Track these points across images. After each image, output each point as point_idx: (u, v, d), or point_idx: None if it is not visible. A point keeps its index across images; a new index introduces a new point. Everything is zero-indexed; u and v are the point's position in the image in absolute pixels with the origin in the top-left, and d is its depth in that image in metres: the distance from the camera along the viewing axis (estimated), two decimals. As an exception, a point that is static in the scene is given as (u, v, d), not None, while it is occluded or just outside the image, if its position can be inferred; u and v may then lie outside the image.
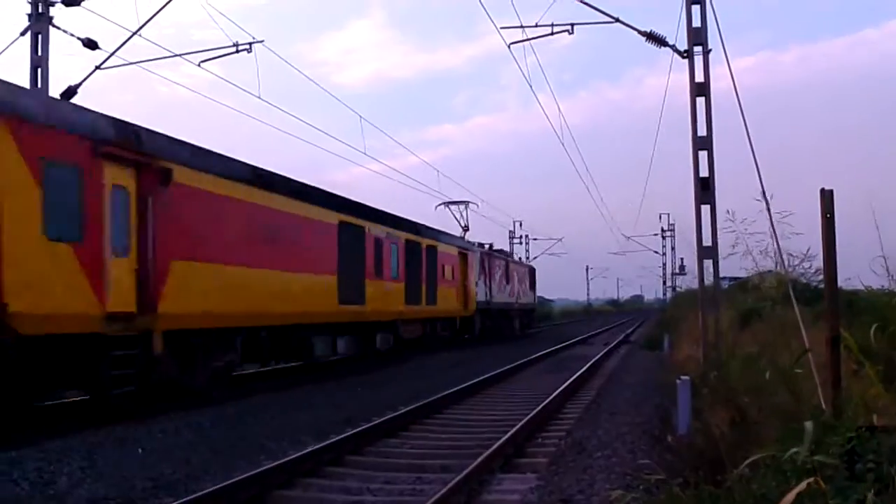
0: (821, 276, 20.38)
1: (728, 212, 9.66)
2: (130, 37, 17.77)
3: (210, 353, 14.74)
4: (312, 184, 19.79)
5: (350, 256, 21.18)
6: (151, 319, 12.66)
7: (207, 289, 14.25)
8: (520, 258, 53.07)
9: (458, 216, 40.64)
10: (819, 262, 19.10)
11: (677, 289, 60.50)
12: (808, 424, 4.03)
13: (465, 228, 39.97)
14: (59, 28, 17.70)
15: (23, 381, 10.78)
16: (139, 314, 12.39)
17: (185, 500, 7.13)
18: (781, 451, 4.45)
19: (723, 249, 12.85)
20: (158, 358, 12.92)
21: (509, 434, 10.23)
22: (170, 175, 13.14)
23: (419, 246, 28.05)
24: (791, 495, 3.55)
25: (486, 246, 41.42)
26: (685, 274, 56.22)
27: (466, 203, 41.01)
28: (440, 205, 40.57)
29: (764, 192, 11.15)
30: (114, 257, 11.95)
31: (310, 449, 9.57)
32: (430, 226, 31.12)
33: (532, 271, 53.93)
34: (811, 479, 3.68)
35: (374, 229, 23.42)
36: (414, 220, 28.72)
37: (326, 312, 19.65)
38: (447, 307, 31.24)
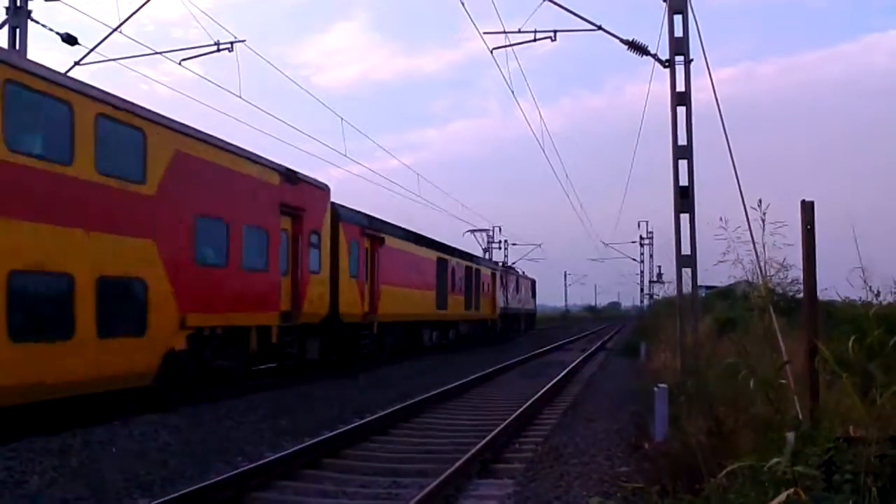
0: (797, 287, 20.60)
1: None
2: (110, 33, 17.65)
3: (393, 333, 27.14)
4: (424, 234, 31.90)
5: (441, 279, 33.17)
6: (375, 316, 24.57)
7: (394, 300, 26.38)
8: (501, 262, 59.02)
9: (479, 240, 57.00)
10: (794, 273, 19.30)
11: (655, 297, 60.82)
12: (790, 435, 4.06)
13: (486, 251, 54.68)
14: (37, 22, 17.50)
15: (342, 343, 22.44)
16: (370, 313, 24.25)
17: (159, 501, 7.08)
18: (760, 461, 4.47)
19: (713, 257, 12.92)
20: (377, 335, 24.90)
21: (487, 439, 10.26)
22: (383, 241, 25.66)
23: (471, 269, 39.61)
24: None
25: (501, 264, 54.05)
26: (663, 282, 56.49)
27: (486, 231, 58.90)
28: (468, 231, 56.12)
29: (744, 201, 11.22)
30: (354, 282, 23.03)
31: (288, 451, 9.53)
32: (475, 255, 44.60)
33: (533, 283, 65.35)
34: (791, 490, 3.70)
35: (452, 261, 35.42)
36: (469, 252, 42.82)
37: (431, 314, 31.80)
38: (484, 312, 43.01)
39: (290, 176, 18.45)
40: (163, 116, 13.98)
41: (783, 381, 6.17)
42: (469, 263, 39.35)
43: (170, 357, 13.69)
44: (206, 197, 15.15)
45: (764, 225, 9.25)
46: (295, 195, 18.71)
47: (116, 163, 12.74)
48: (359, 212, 23.95)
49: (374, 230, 24.70)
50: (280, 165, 18.13)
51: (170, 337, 13.76)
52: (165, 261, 13.58)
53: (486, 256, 53.86)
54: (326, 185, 20.74)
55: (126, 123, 12.99)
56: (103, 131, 12.32)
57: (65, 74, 13.21)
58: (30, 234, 10.88)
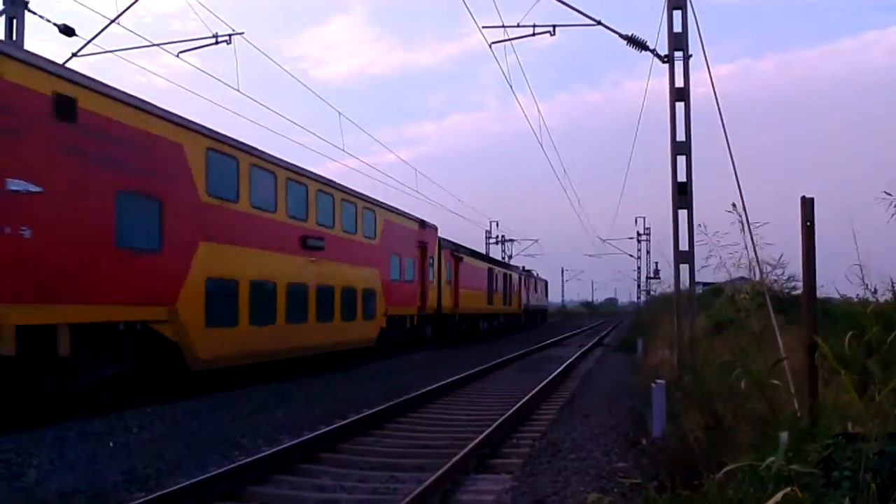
0: (793, 284, 20.62)
1: (700, 225, 9.71)
2: (108, 25, 17.61)
3: (465, 321, 38.73)
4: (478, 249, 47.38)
5: (490, 283, 45.21)
6: (458, 309, 36.09)
7: (467, 299, 37.84)
8: (522, 266, 67.83)
9: (503, 249, 70.36)
10: (791, 269, 19.33)
11: (652, 293, 60.87)
12: (784, 435, 4.05)
13: (510, 257, 66.23)
14: (34, 13, 17.44)
15: (438, 328, 33.52)
16: (455, 307, 35.57)
17: (155, 494, 7.06)
18: (758, 458, 4.47)
19: (697, 261, 12.97)
20: (457, 324, 36.40)
21: (485, 433, 10.26)
22: (462, 259, 37.40)
23: (507, 275, 52.64)
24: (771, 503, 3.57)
25: (522, 267, 64.50)
26: (659, 278, 56.51)
27: (511, 240, 72.00)
28: (492, 242, 68.70)
29: (742, 199, 11.21)
30: (448, 287, 34.64)
31: (285, 445, 9.52)
32: (509, 263, 61.16)
33: (546, 284, 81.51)
34: (788, 489, 3.69)
35: (496, 269, 48.02)
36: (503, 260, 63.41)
37: (484, 308, 43.93)
38: (514, 308, 55.78)
39: (422, 223, 30.80)
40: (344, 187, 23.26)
41: (776, 382, 6.16)
42: (505, 271, 52.89)
43: (381, 332, 25.44)
44: (396, 243, 27.48)
45: (749, 224, 9.30)
46: (423, 235, 30.80)
47: (296, 207, 19.54)
48: (450, 241, 36.57)
49: (458, 252, 37.39)
50: (417, 217, 30.19)
51: (380, 320, 25.44)
52: (382, 279, 25.70)
53: (485, 252, 58.19)
54: (436, 226, 32.95)
55: (297, 182, 19.52)
56: (254, 175, 17.31)
57: (233, 139, 16.77)
58: (258, 258, 17.26)
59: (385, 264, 25.72)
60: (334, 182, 21.63)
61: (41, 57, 11.65)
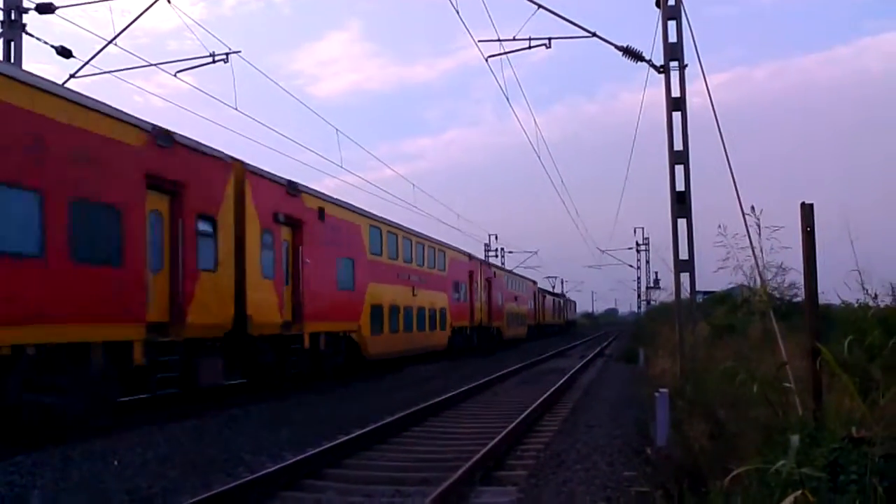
0: (794, 290, 20.61)
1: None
2: (105, 46, 17.70)
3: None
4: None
5: (536, 303, 65.43)
6: (494, 322, 44.98)
7: (510, 315, 51.17)
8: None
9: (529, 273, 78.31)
10: (791, 276, 19.37)
11: (652, 302, 60.87)
12: (795, 438, 4.06)
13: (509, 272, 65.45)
14: (32, 35, 17.56)
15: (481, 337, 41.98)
16: (491, 322, 44.10)
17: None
18: (765, 464, 4.48)
19: (713, 264, 12.98)
20: (495, 335, 45.33)
21: (494, 442, 10.26)
22: (499, 281, 49.02)
23: (546, 296, 73.17)
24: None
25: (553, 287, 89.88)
26: (660, 287, 56.55)
27: (510, 252, 77.22)
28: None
29: (741, 206, 11.26)
30: (485, 305, 43.83)
31: (289, 462, 9.50)
32: (551, 290, 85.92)
33: (574, 303, 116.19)
34: (798, 493, 3.70)
35: (544, 294, 73.64)
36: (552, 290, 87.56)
37: (533, 322, 64.09)
38: (550, 321, 76.87)
39: (469, 256, 39.19)
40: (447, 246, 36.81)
41: (787, 385, 6.17)
42: (547, 294, 77.02)
43: (449, 339, 34.28)
44: (455, 273, 36.00)
45: (747, 227, 9.32)
46: (471, 265, 39.73)
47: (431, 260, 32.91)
48: (498, 266, 55.04)
49: (494, 277, 45.87)
50: (466, 252, 39.63)
51: (448, 330, 34.27)
52: (449, 300, 34.32)
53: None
54: (480, 258, 44.73)
55: (404, 237, 29.10)
56: (388, 237, 26.99)
57: (378, 216, 26.44)
58: (391, 290, 26.60)
59: (450, 290, 35.13)
60: (423, 233, 31.90)
61: (316, 190, 20.87)
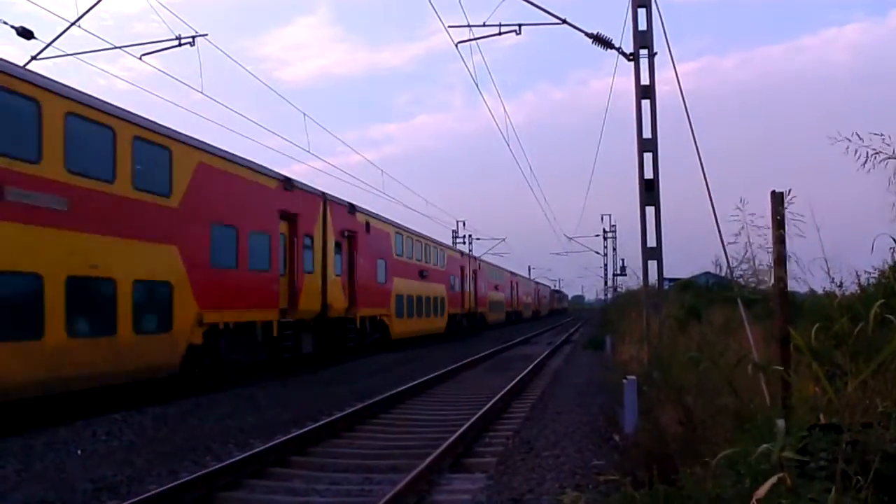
0: (760, 279, 20.85)
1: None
2: (68, 27, 17.32)
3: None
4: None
5: (535, 295, 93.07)
6: (480, 309, 52.06)
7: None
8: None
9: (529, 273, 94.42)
10: (755, 265, 19.48)
11: (619, 290, 61.29)
12: (781, 422, 4.10)
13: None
14: (-7, 16, 17.11)
15: (470, 322, 48.55)
16: (477, 308, 50.28)
17: (128, 502, 6.95)
18: (738, 451, 4.50)
19: (675, 249, 13.07)
20: (481, 320, 52.43)
21: (459, 432, 10.27)
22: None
23: (543, 288, 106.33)
24: (765, 488, 3.60)
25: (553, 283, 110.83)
26: (626, 275, 56.90)
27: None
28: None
29: (710, 193, 11.34)
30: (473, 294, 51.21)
31: (256, 449, 9.42)
32: (543, 283, 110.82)
33: (563, 295, 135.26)
34: (781, 475, 3.73)
35: (538, 286, 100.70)
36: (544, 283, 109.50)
37: (533, 308, 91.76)
38: (541, 307, 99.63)
39: (462, 253, 43.22)
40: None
41: (764, 369, 6.19)
42: (539, 286, 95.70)
43: (447, 323, 40.39)
44: (451, 268, 42.37)
45: (716, 215, 9.32)
46: (463, 261, 45.42)
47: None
48: (486, 261, 57.37)
49: (481, 269, 52.03)
50: (460, 250, 48.98)
51: (446, 316, 40.20)
52: (447, 291, 41.24)
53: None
54: (471, 254, 50.96)
55: (416, 240, 35.39)
56: (406, 240, 33.26)
57: (400, 225, 32.82)
58: (407, 282, 32.77)
59: (448, 282, 41.04)
60: (430, 236, 38.14)
61: (365, 209, 26.69)
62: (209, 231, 16.45)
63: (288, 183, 20.22)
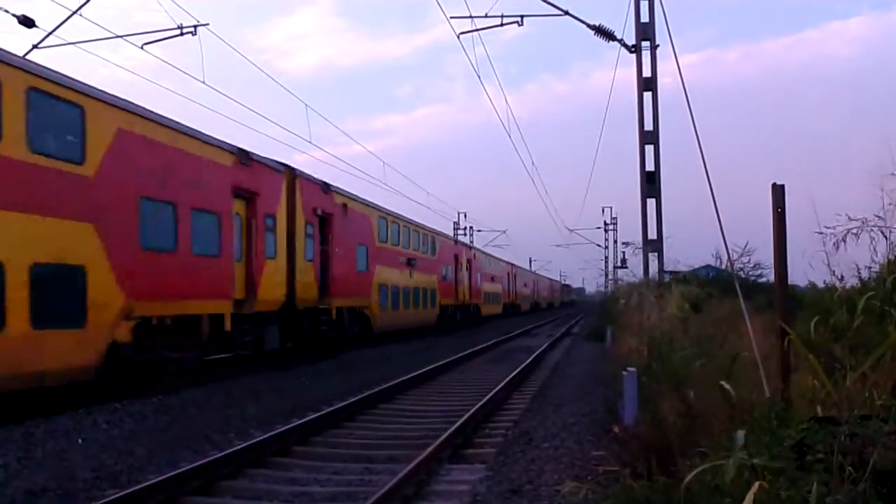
0: (760, 271, 20.86)
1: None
2: (70, 16, 17.29)
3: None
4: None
5: (550, 287, 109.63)
6: (473, 300, 48.91)
7: (487, 294, 54.59)
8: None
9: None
10: (756, 257, 19.53)
11: (619, 282, 61.26)
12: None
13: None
14: (-7, 4, 17.04)
15: (464, 314, 46.13)
16: (471, 300, 47.62)
17: (127, 491, 6.98)
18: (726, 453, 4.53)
19: (677, 241, 13.03)
20: (474, 312, 49.51)
21: (458, 423, 10.28)
22: (475, 258, 53.78)
23: (553, 282, 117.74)
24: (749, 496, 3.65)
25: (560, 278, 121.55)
26: (627, 267, 56.89)
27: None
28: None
29: (711, 187, 11.30)
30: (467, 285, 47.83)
31: (257, 439, 9.45)
32: (554, 278, 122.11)
33: (569, 287, 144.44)
34: (757, 485, 3.77)
35: (553, 281, 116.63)
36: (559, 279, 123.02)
37: (549, 299, 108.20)
38: (553, 298, 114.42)
39: (456, 241, 41.34)
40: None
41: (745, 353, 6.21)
42: (553, 280, 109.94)
43: (438, 315, 38.21)
44: (443, 256, 40.25)
45: (717, 208, 9.30)
46: (457, 249, 43.83)
47: None
48: (481, 249, 56.20)
49: (476, 259, 49.99)
50: (454, 238, 46.81)
51: (437, 308, 38.06)
52: (438, 281, 38.52)
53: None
54: (466, 243, 51.83)
55: (402, 225, 32.88)
56: (391, 227, 31.18)
57: (383, 208, 30.55)
58: (392, 272, 30.78)
59: (439, 272, 38.63)
60: (418, 222, 35.86)
61: (341, 188, 24.59)
62: (136, 207, 13.62)
63: (244, 156, 17.60)
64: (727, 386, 6.76)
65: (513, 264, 71.20)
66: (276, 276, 19.07)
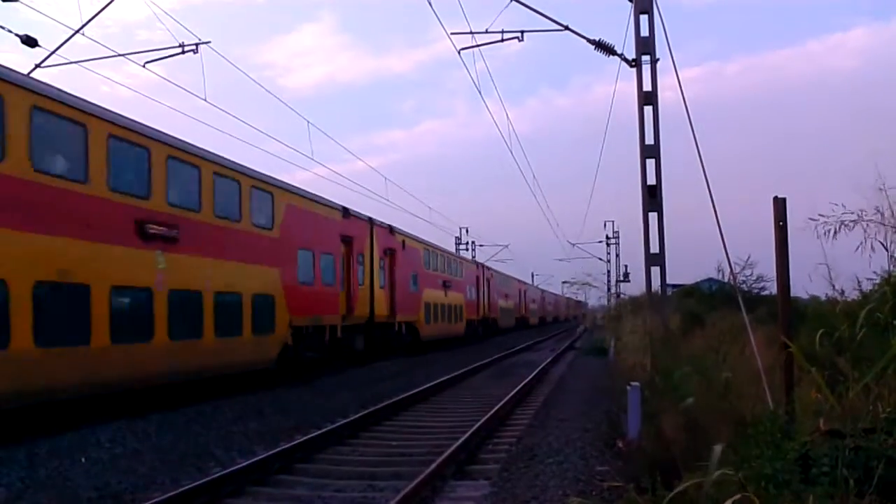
0: (762, 284, 20.81)
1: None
2: (72, 35, 17.35)
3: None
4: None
5: (567, 305, 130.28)
6: (492, 315, 56.32)
7: (503, 309, 60.66)
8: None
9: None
10: (759, 269, 19.49)
11: (621, 296, 61.21)
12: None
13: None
14: (-4, 24, 17.14)
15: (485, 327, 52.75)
16: (490, 315, 54.51)
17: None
18: (735, 456, 4.52)
19: (679, 255, 12.97)
20: (493, 325, 56.03)
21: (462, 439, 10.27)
22: (493, 278, 60.02)
23: (569, 300, 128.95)
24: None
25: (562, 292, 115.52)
26: (629, 281, 56.83)
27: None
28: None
29: (713, 200, 11.33)
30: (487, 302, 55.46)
31: (260, 456, 9.43)
32: (570, 297, 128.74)
33: (581, 303, 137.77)
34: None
35: (569, 300, 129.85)
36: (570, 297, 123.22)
37: (562, 314, 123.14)
38: (567, 313, 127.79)
39: (478, 264, 48.67)
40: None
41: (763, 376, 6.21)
42: (568, 298, 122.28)
43: (465, 328, 44.51)
44: (468, 278, 46.48)
45: (718, 220, 9.31)
46: (478, 271, 49.56)
47: None
48: (499, 272, 59.85)
49: (492, 279, 55.37)
50: (476, 261, 52.86)
51: (464, 321, 44.15)
52: (465, 300, 45.18)
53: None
54: (485, 265, 53.68)
55: (439, 254, 39.72)
56: (432, 255, 37.98)
57: (428, 242, 38.33)
58: (434, 293, 37.65)
59: (465, 291, 44.82)
60: (451, 251, 44.70)
61: (402, 229, 31.11)
62: (296, 255, 20.12)
63: (345, 211, 24.06)
64: (726, 397, 6.78)
65: (522, 282, 76.62)
66: (364, 299, 25.49)
